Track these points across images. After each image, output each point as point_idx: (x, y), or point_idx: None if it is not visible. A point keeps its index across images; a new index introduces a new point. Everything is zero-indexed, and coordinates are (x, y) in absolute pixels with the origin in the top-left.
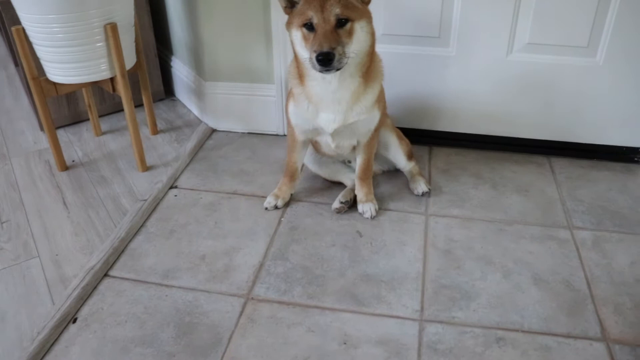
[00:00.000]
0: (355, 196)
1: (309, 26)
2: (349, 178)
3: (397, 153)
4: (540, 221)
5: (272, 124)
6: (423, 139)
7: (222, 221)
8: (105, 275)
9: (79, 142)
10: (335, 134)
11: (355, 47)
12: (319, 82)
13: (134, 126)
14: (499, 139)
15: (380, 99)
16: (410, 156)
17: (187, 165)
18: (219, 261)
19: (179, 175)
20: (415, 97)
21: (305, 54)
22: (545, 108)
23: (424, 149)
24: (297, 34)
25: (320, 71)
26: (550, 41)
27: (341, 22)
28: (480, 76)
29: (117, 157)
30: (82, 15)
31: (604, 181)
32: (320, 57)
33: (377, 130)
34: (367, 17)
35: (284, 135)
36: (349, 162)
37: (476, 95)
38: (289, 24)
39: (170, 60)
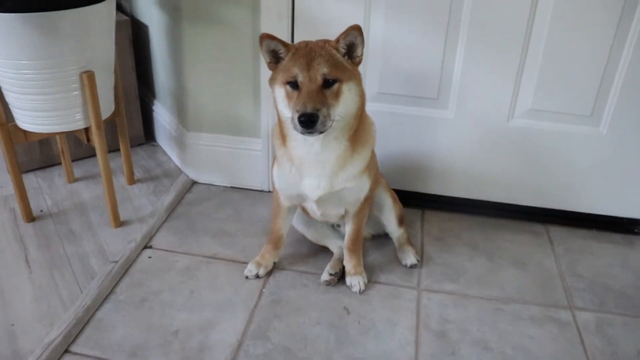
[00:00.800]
0: (341, 268)
1: (294, 84)
2: (336, 245)
3: (390, 216)
4: (540, 300)
5: (257, 179)
6: (415, 201)
7: (199, 290)
8: (66, 351)
9: (49, 188)
10: (320, 201)
11: (341, 109)
12: (301, 143)
13: (108, 181)
14: (496, 204)
15: (371, 166)
16: (401, 222)
17: (164, 221)
18: (193, 338)
19: (155, 233)
20: (409, 158)
21: (288, 113)
22: (544, 175)
23: (417, 212)
24: (280, 92)
25: (302, 133)
26: (554, 108)
27: (328, 83)
28: (478, 140)
29: (89, 208)
30: (58, 62)
31: (604, 255)
32: (302, 119)
33: (367, 199)
34: (357, 79)
35: (269, 191)
36: (338, 225)
37: (473, 159)
38: (272, 80)
39: (153, 103)
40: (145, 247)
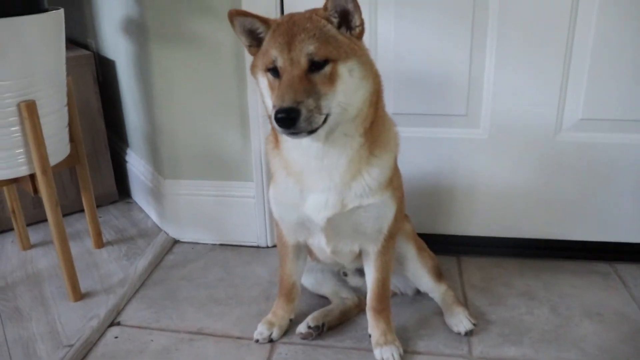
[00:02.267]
0: (328, 321)
1: (274, 71)
2: (335, 294)
3: (418, 270)
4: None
5: (252, 233)
6: (447, 246)
7: None
8: None
9: None
10: (329, 228)
11: (342, 98)
12: (296, 142)
13: (62, 240)
14: (547, 242)
15: (395, 181)
16: (439, 276)
17: (137, 291)
18: None
19: (124, 306)
20: (435, 192)
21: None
22: (604, 199)
23: (450, 259)
24: (263, 81)
25: (284, 134)
26: (610, 115)
27: (317, 65)
28: (520, 162)
29: (44, 279)
30: None
31: None
32: (279, 116)
33: (392, 235)
34: (358, 55)
35: (267, 247)
36: (345, 274)
37: (515, 187)
38: (253, 67)
39: (125, 153)
40: (112, 324)
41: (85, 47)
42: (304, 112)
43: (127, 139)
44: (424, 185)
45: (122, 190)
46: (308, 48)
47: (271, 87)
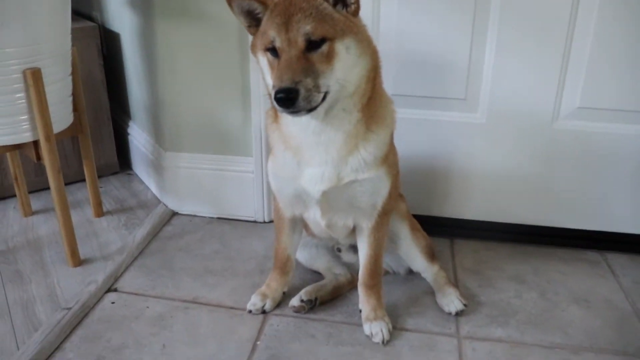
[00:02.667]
0: (320, 296)
1: (273, 50)
2: (329, 270)
3: (411, 250)
4: (617, 347)
5: (249, 208)
6: (441, 228)
7: (173, 344)
8: None
9: (0, 224)
10: (325, 201)
11: (340, 74)
12: (295, 119)
13: (63, 208)
14: (539, 229)
15: (391, 161)
16: (431, 256)
17: (135, 259)
18: None
19: (122, 273)
20: (431, 175)
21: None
22: (598, 189)
23: (444, 242)
24: (263, 61)
25: (283, 113)
26: (608, 104)
27: (315, 44)
28: (517, 148)
29: (44, 245)
30: None
31: None
32: (278, 96)
33: (386, 211)
34: (356, 32)
35: (264, 222)
36: (339, 250)
37: (511, 172)
38: (253, 47)
39: (128, 126)
40: (109, 290)
41: (90, 19)
42: (302, 92)
43: (130, 112)
44: (421, 167)
45: (123, 162)
46: (305, 28)
47: (271, 67)
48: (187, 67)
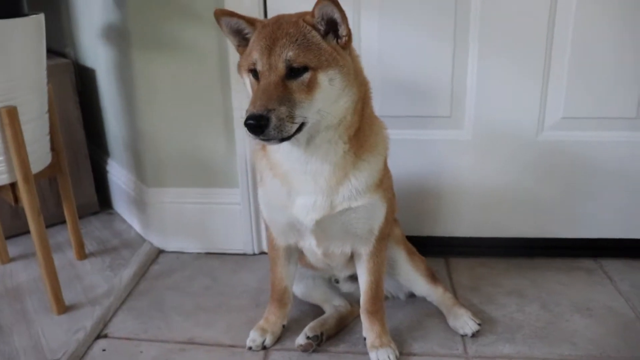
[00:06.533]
0: (326, 330)
1: (256, 73)
2: (327, 302)
3: (411, 275)
4: (625, 353)
5: (238, 240)
6: (435, 248)
7: None
8: None
9: None
10: (319, 230)
11: (321, 105)
12: (280, 146)
13: (45, 250)
14: (533, 241)
15: (386, 185)
16: (433, 278)
17: (123, 302)
18: None
19: (111, 318)
20: (419, 194)
21: None
22: (587, 197)
23: (438, 261)
24: (247, 81)
25: (254, 140)
26: (591, 113)
27: (295, 71)
28: (504, 163)
29: (25, 293)
30: None
31: None
32: (248, 122)
33: (383, 235)
34: (341, 65)
35: (254, 254)
36: (337, 281)
37: (500, 187)
38: (239, 67)
39: (106, 163)
40: (99, 336)
41: (64, 56)
42: (273, 121)
43: (108, 149)
44: (410, 187)
45: (103, 201)
46: (287, 54)
47: (252, 89)
48: (166, 99)
